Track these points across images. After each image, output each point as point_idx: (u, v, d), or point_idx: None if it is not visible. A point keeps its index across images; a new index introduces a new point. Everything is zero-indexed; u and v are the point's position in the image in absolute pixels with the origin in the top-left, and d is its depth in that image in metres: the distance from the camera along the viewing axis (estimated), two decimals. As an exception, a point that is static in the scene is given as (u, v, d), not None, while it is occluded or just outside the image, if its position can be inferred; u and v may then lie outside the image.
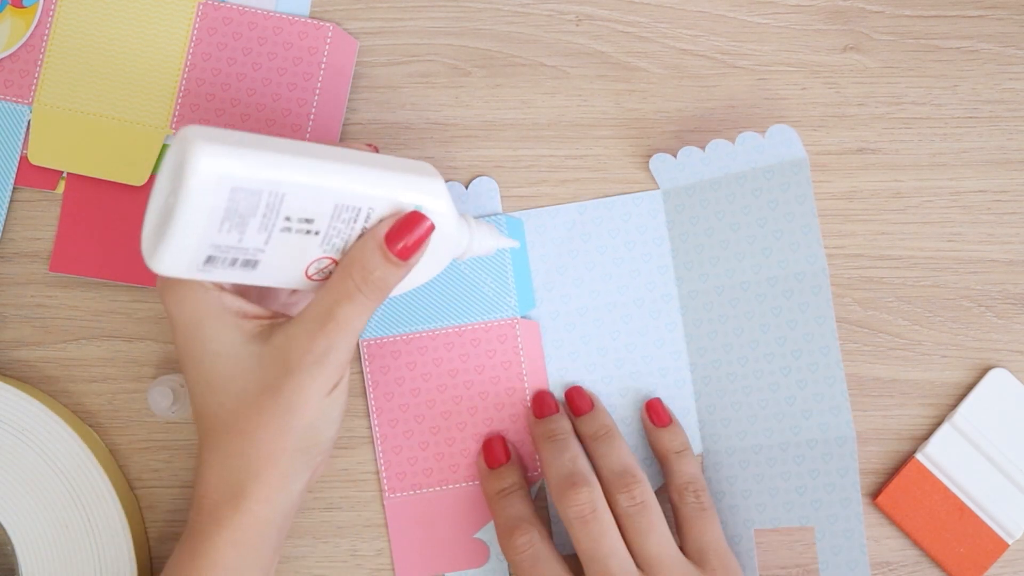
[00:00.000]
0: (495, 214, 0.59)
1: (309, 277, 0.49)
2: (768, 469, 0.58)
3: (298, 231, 0.46)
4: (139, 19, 0.60)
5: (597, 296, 0.59)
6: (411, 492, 0.59)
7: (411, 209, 0.48)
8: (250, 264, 0.47)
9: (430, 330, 0.59)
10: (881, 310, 0.60)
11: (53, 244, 0.60)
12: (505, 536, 0.55)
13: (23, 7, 0.60)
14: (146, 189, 0.59)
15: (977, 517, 0.58)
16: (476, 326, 0.59)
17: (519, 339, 0.59)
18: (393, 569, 0.59)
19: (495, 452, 0.58)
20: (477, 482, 0.59)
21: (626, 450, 0.56)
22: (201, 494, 0.49)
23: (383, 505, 0.59)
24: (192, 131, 0.44)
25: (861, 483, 0.58)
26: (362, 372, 0.59)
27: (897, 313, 0.60)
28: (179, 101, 0.60)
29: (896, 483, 0.58)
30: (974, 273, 0.60)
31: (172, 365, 0.60)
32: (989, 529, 0.58)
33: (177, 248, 0.45)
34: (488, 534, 0.59)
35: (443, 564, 0.59)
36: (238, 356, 0.48)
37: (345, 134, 0.60)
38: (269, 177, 0.45)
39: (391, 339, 0.59)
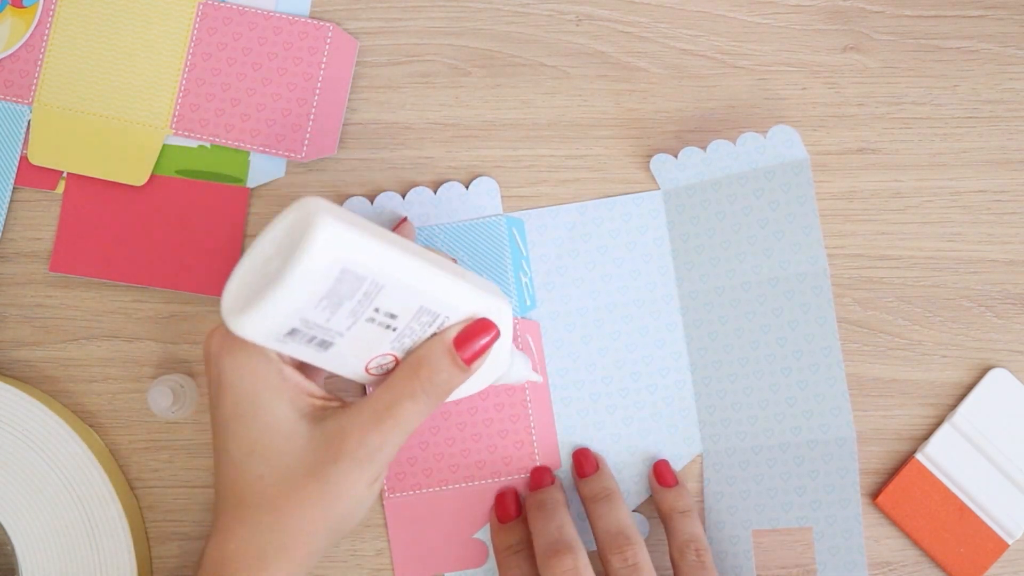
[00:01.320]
0: (495, 215, 0.59)
1: (368, 371, 0.49)
2: (768, 469, 0.58)
3: (380, 323, 0.47)
4: (139, 19, 0.60)
5: (597, 296, 0.59)
6: (411, 492, 0.59)
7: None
8: (325, 345, 0.47)
9: (430, 330, 0.59)
10: (881, 310, 0.60)
11: (53, 244, 0.60)
12: None
13: (23, 7, 0.60)
14: (146, 189, 0.59)
15: (977, 517, 0.58)
16: (476, 326, 0.59)
17: (519, 339, 0.59)
18: (393, 569, 0.59)
19: (506, 507, 0.58)
20: (477, 482, 0.59)
21: (625, 512, 0.56)
22: (218, 559, 0.48)
23: (383, 505, 0.59)
24: (315, 204, 0.44)
25: (861, 483, 0.58)
26: (362, 372, 0.59)
27: (897, 313, 0.60)
28: (179, 101, 0.60)
29: (896, 483, 0.58)
30: (974, 273, 0.60)
31: (172, 365, 0.60)
32: (989, 529, 0.58)
33: (268, 315, 0.44)
34: (487, 535, 0.59)
35: (442, 564, 0.59)
36: (289, 433, 0.48)
37: (345, 134, 0.60)
38: (378, 267, 0.45)
39: (391, 339, 0.59)
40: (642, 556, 0.54)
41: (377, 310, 0.46)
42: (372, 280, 0.45)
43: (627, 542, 0.54)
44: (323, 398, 0.49)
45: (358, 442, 0.47)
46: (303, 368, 0.50)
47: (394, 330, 0.47)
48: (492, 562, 0.59)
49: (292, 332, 0.45)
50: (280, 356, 0.48)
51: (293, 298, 0.44)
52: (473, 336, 0.49)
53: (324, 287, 0.44)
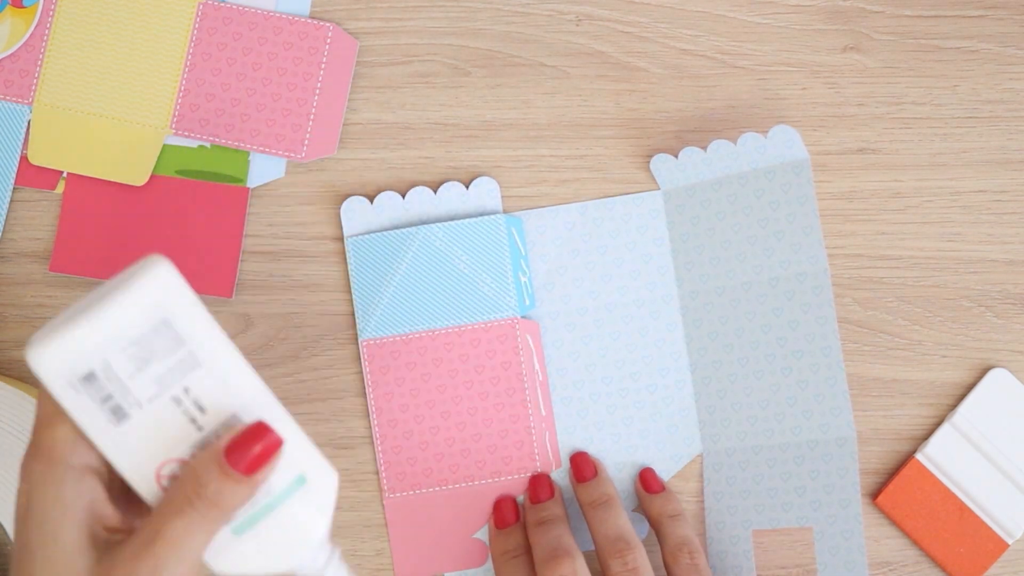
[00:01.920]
0: (495, 214, 0.59)
1: (158, 478, 0.44)
2: (768, 470, 0.58)
3: (185, 412, 0.43)
4: (139, 19, 0.60)
5: (597, 296, 0.59)
6: (411, 492, 0.59)
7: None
8: (119, 414, 0.43)
9: (430, 330, 0.59)
10: (881, 310, 0.60)
11: (53, 244, 0.60)
12: None
13: (23, 7, 0.60)
14: (146, 189, 0.59)
15: (977, 517, 0.58)
16: (476, 326, 0.59)
17: (519, 339, 0.59)
18: (393, 569, 0.59)
19: (504, 513, 0.58)
20: (477, 482, 0.59)
21: (624, 518, 0.56)
22: None
23: (383, 505, 0.59)
24: (163, 260, 0.42)
25: (861, 483, 0.58)
26: (362, 372, 0.59)
27: (897, 313, 0.60)
28: (179, 101, 0.60)
29: (896, 483, 0.58)
30: (974, 273, 0.60)
31: (172, 365, 0.60)
32: (989, 529, 0.58)
33: (70, 343, 0.41)
34: (487, 535, 0.59)
35: (442, 564, 0.59)
36: (73, 563, 0.42)
37: (345, 134, 0.60)
38: (202, 339, 0.42)
39: (391, 339, 0.59)
40: (641, 560, 0.54)
41: (186, 391, 0.43)
42: (191, 350, 0.42)
43: (627, 546, 0.54)
44: (114, 528, 0.43)
45: (129, 572, 0.41)
46: (125, 500, 0.45)
47: (199, 429, 0.43)
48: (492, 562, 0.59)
49: (89, 377, 0.42)
50: (95, 477, 0.43)
51: (101, 328, 0.41)
52: (248, 442, 0.42)
53: (137, 330, 0.42)
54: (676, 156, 0.59)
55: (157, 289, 0.42)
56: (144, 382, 0.42)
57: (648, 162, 0.60)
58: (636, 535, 0.55)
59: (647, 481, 0.59)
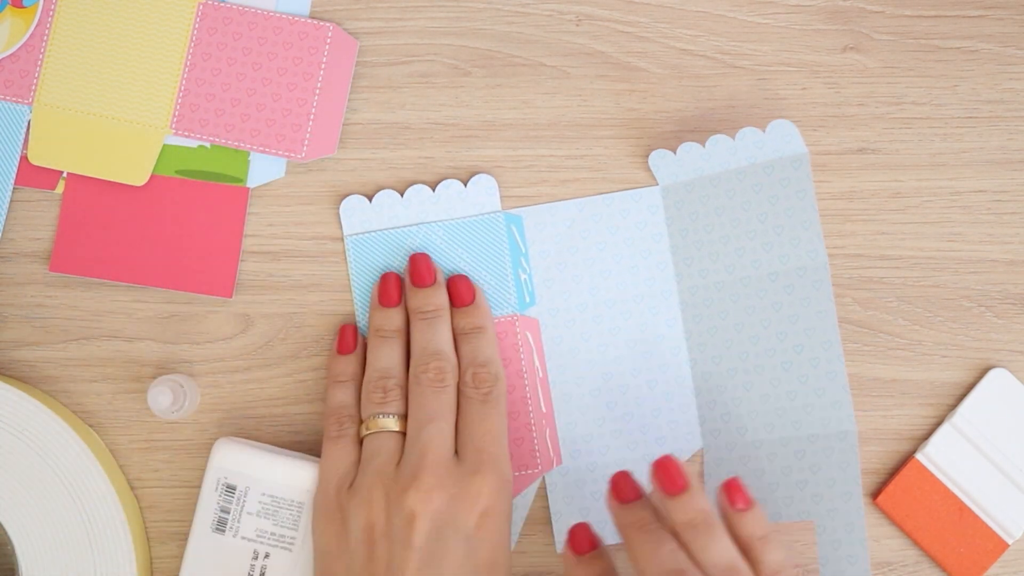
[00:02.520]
0: (494, 211, 0.59)
1: None
2: (769, 464, 0.58)
3: (250, 567, 0.56)
4: (139, 19, 0.60)
5: (597, 292, 0.59)
6: (411, 491, 0.59)
7: None
8: (221, 527, 0.56)
9: (430, 328, 0.59)
10: (881, 310, 0.60)
11: (53, 244, 0.60)
12: None
13: (23, 7, 0.60)
14: (146, 189, 0.59)
15: (977, 517, 0.58)
16: (476, 324, 0.59)
17: (519, 336, 0.59)
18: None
19: (581, 541, 0.53)
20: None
21: (728, 541, 0.49)
22: None
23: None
24: None
25: (861, 483, 0.58)
26: (362, 372, 0.59)
27: (897, 313, 0.60)
28: (179, 101, 0.60)
29: (896, 483, 0.58)
30: (974, 273, 0.60)
31: (172, 365, 0.60)
32: (989, 529, 0.58)
33: (248, 459, 0.57)
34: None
35: (443, 563, 0.59)
36: None
37: (345, 134, 0.60)
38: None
39: (391, 338, 0.59)
40: None
41: (266, 556, 0.56)
42: (297, 537, 0.56)
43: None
44: None
45: None
46: None
47: None
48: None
49: (231, 488, 0.56)
50: None
51: (269, 469, 0.56)
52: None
53: (283, 493, 0.56)
54: (675, 152, 0.59)
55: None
56: (251, 524, 0.56)
57: (647, 161, 0.60)
58: (744, 562, 0.49)
59: (734, 494, 0.51)
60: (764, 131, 0.57)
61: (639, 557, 0.50)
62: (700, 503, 0.50)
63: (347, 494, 0.54)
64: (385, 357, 0.56)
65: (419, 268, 0.58)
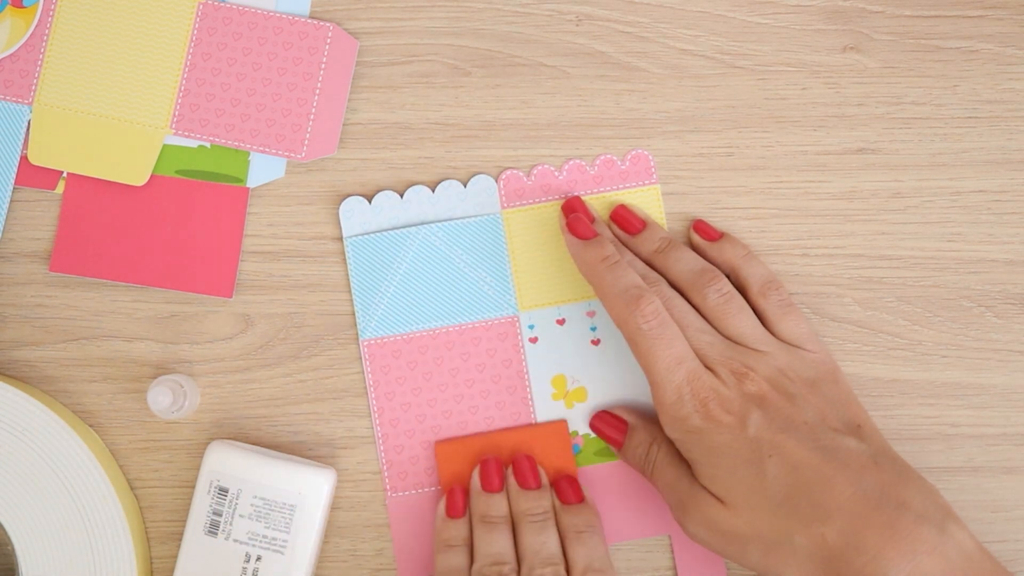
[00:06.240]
0: (494, 210, 0.59)
1: None
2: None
3: (243, 570, 0.56)
4: (139, 19, 0.60)
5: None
6: (413, 491, 0.59)
7: None
8: (213, 529, 0.56)
9: (431, 329, 0.59)
10: (881, 310, 0.60)
11: (53, 244, 0.60)
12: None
13: (23, 7, 0.60)
14: (146, 189, 0.59)
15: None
16: (476, 324, 0.59)
17: (520, 337, 0.59)
18: (396, 568, 0.59)
19: (455, 501, 0.57)
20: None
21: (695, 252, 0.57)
22: None
23: (385, 504, 0.59)
24: (333, 475, 0.58)
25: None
26: (363, 372, 0.59)
27: (897, 313, 0.60)
28: (179, 101, 0.60)
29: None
30: (974, 273, 0.60)
31: (172, 365, 0.60)
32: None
33: (242, 461, 0.57)
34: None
35: (444, 564, 0.59)
36: None
37: (345, 134, 0.60)
38: (306, 543, 0.56)
39: (392, 339, 0.59)
40: (732, 286, 0.56)
41: (258, 559, 0.56)
42: (289, 540, 0.56)
43: (715, 275, 0.56)
44: None
45: None
46: None
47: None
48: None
49: (223, 491, 0.57)
50: None
51: (261, 471, 0.57)
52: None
53: (276, 496, 0.56)
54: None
55: (313, 487, 0.56)
56: (243, 527, 0.56)
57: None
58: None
59: (703, 230, 0.59)
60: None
61: (601, 286, 0.55)
62: (663, 233, 0.58)
63: None
64: (497, 543, 0.55)
65: (524, 471, 0.57)
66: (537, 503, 0.56)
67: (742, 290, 0.57)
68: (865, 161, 0.60)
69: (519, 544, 0.55)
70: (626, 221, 0.58)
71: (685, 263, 0.57)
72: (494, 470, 0.57)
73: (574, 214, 0.58)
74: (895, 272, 0.60)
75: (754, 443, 0.51)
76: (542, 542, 0.55)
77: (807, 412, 0.52)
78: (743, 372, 0.53)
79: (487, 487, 0.57)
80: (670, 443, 0.55)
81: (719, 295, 0.55)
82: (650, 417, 0.57)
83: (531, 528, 0.56)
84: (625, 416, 0.57)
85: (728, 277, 0.57)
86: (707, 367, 0.53)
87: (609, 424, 0.57)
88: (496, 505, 0.57)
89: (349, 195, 0.60)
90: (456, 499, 0.57)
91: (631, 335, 0.53)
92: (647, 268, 0.57)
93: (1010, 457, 0.59)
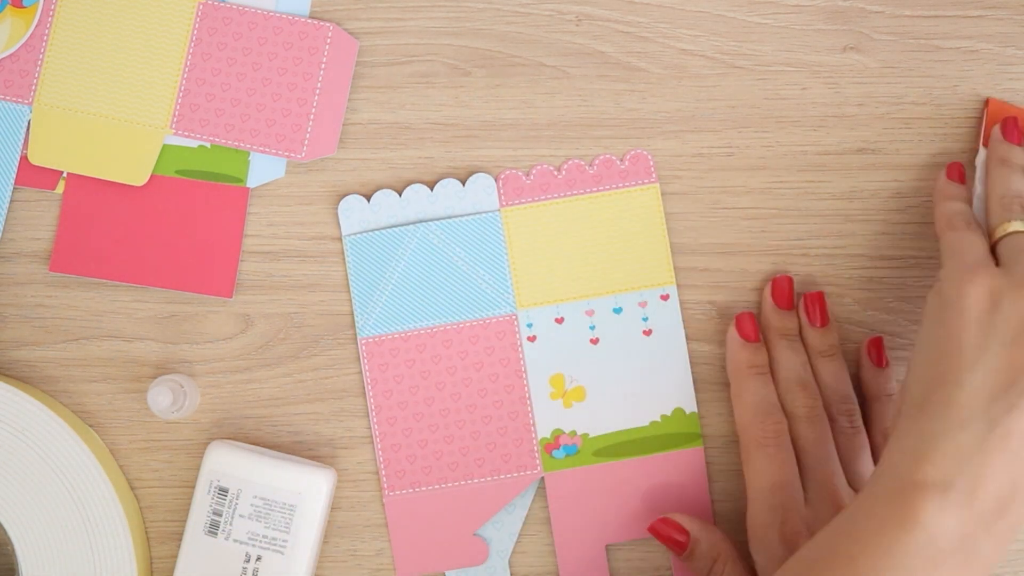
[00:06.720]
0: (492, 209, 0.59)
1: None
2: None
3: (243, 570, 0.56)
4: (139, 19, 0.60)
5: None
6: (411, 490, 0.59)
7: None
8: (213, 529, 0.57)
9: (428, 327, 0.59)
10: (881, 310, 0.60)
11: (53, 244, 0.60)
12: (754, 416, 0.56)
13: (23, 7, 0.60)
14: (146, 189, 0.59)
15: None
16: (474, 323, 0.59)
17: (518, 335, 0.59)
18: (394, 567, 0.59)
19: (748, 328, 0.58)
20: (476, 480, 0.59)
21: (847, 374, 0.58)
22: None
23: (383, 503, 0.59)
24: (332, 474, 0.58)
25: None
26: (361, 371, 0.59)
27: (897, 313, 0.60)
28: (179, 101, 0.60)
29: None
30: (974, 273, 0.60)
31: (172, 365, 0.60)
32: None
33: (241, 461, 0.57)
34: (487, 532, 0.59)
35: (443, 562, 0.59)
36: None
37: (345, 134, 0.60)
38: (306, 542, 0.57)
39: (389, 337, 0.59)
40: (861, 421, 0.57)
41: (258, 559, 0.56)
42: (289, 540, 0.56)
43: (854, 407, 0.56)
44: None
45: None
46: None
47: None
48: (493, 560, 0.58)
49: (223, 491, 0.57)
50: None
51: (262, 471, 0.57)
52: None
53: (276, 496, 0.56)
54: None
55: (313, 487, 0.56)
56: (243, 527, 0.56)
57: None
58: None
59: (874, 354, 0.58)
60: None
61: (749, 393, 0.56)
62: (834, 339, 0.58)
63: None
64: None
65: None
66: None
67: (868, 422, 0.58)
68: (865, 161, 0.60)
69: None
70: (812, 313, 0.58)
71: (832, 379, 0.57)
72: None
73: (744, 315, 0.58)
74: (895, 272, 0.60)
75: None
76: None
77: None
78: (831, 503, 0.54)
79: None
80: (736, 560, 0.55)
81: (850, 426, 0.56)
82: (712, 529, 0.56)
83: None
84: (688, 526, 0.56)
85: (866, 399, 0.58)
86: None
87: (672, 533, 0.56)
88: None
89: (348, 195, 0.60)
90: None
91: (747, 443, 0.55)
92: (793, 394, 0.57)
93: (1010, 457, 0.59)
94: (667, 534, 0.56)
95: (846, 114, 0.60)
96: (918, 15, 0.61)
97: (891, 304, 0.60)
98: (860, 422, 0.57)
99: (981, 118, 0.59)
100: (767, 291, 0.58)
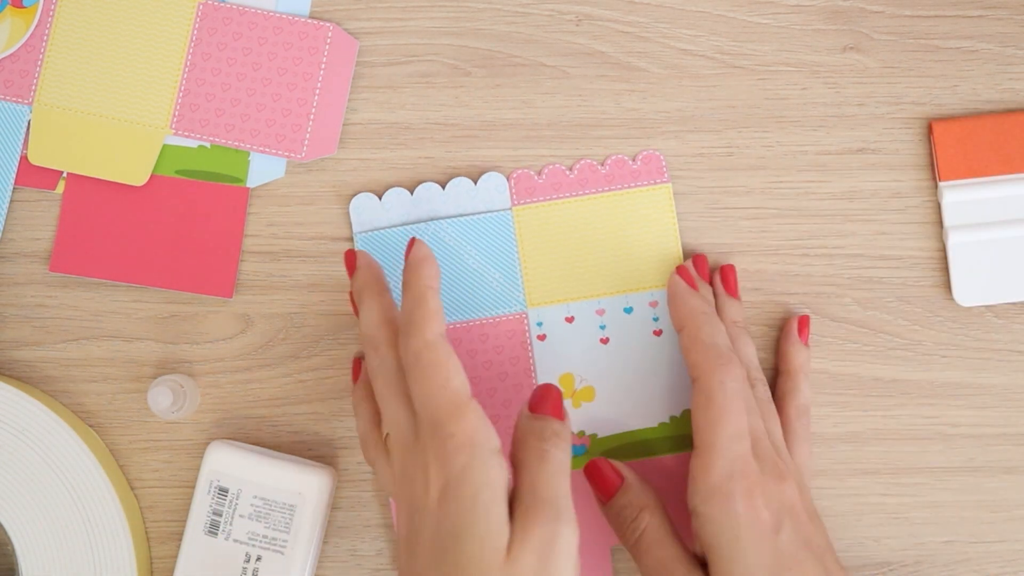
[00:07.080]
0: (504, 207, 0.59)
1: None
2: None
3: (243, 570, 0.56)
4: (139, 19, 0.60)
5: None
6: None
7: None
8: (213, 529, 0.57)
9: (435, 326, 0.59)
10: (881, 310, 0.60)
11: (53, 244, 0.60)
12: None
13: (23, 7, 0.60)
14: (146, 189, 0.59)
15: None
16: (484, 321, 0.59)
17: (528, 334, 0.59)
18: (396, 566, 0.59)
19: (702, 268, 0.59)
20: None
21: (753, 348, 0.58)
22: None
23: (390, 501, 0.59)
24: (332, 473, 0.58)
25: (862, 483, 0.58)
26: (362, 372, 0.59)
27: (897, 313, 0.60)
28: (179, 101, 0.60)
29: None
30: (974, 273, 0.60)
31: (172, 365, 0.60)
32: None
33: (242, 460, 0.57)
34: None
35: (443, 563, 0.59)
36: (501, 535, 0.47)
37: (345, 134, 0.60)
38: (306, 543, 0.56)
39: (393, 338, 0.59)
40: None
41: (258, 559, 0.56)
42: (289, 541, 0.56)
43: (760, 377, 0.57)
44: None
45: None
46: None
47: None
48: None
49: (223, 491, 0.57)
50: (498, 448, 0.48)
51: (261, 472, 0.57)
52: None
53: (276, 496, 0.56)
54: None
55: (313, 487, 0.56)
56: (243, 527, 0.56)
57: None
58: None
59: (804, 332, 0.59)
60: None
61: (696, 332, 0.55)
62: (742, 313, 0.59)
63: None
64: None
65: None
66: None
67: (777, 398, 0.58)
68: (865, 161, 0.60)
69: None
70: (728, 284, 0.59)
71: (749, 350, 0.57)
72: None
73: (686, 263, 0.59)
74: (895, 272, 0.60)
75: (779, 554, 0.50)
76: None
77: (819, 537, 0.52)
78: (782, 476, 0.52)
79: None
80: (665, 517, 0.53)
81: (765, 396, 0.56)
82: (646, 481, 0.55)
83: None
84: (624, 472, 0.55)
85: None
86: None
87: (607, 472, 0.55)
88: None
89: (349, 195, 0.60)
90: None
91: (708, 388, 0.52)
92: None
93: (1010, 457, 0.59)
94: (603, 473, 0.55)
95: (846, 114, 0.60)
96: (918, 15, 0.61)
97: (891, 304, 0.60)
98: (770, 392, 0.57)
99: (929, 144, 0.59)
100: (680, 271, 0.58)
